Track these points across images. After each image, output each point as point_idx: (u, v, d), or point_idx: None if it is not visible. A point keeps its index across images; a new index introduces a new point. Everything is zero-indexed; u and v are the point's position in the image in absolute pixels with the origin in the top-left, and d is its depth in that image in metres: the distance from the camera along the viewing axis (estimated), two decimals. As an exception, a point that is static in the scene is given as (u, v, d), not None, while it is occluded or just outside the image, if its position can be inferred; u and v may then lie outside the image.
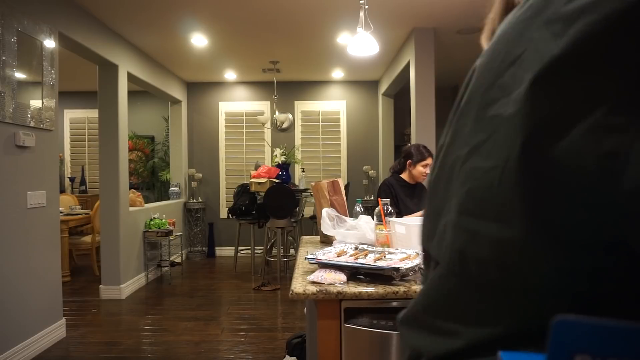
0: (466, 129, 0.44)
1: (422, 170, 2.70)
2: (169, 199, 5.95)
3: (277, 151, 5.40)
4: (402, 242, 1.64)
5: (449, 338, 0.43)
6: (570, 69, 0.32)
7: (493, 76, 0.41)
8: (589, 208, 0.31)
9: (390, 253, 1.52)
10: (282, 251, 4.96)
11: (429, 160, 2.70)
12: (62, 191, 6.25)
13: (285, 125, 6.24)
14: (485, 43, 0.58)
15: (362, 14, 2.49)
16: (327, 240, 2.00)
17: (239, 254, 5.35)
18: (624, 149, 0.28)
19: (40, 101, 2.96)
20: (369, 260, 1.41)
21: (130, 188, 4.69)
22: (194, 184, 6.12)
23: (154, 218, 4.84)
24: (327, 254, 1.51)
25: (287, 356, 2.28)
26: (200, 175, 6.13)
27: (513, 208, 0.35)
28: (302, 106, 6.32)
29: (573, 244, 0.33)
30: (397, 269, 1.27)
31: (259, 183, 4.73)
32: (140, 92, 5.73)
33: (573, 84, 0.32)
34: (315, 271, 1.38)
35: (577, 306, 0.33)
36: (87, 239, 5.01)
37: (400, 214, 2.55)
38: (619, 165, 0.28)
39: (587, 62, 0.31)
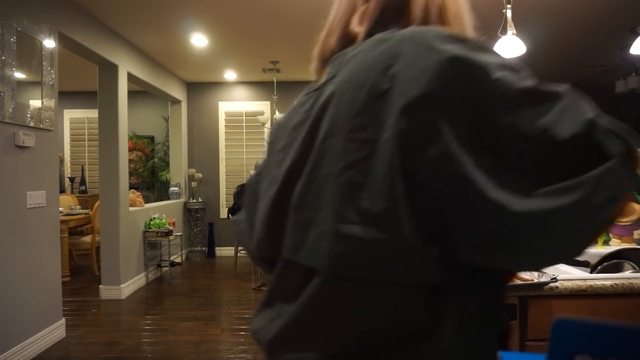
0: (336, 148, 0.50)
1: None
2: (169, 199, 5.94)
3: (277, 151, 5.39)
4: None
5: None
6: (424, 107, 0.44)
7: (361, 105, 0.49)
8: (441, 213, 0.44)
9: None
10: (282, 251, 4.95)
11: None
12: (62, 191, 6.24)
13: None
14: (318, 68, 0.66)
15: (362, 14, 2.49)
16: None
17: (239, 254, 5.35)
18: (461, 170, 0.42)
19: (40, 101, 2.96)
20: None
21: (130, 188, 4.69)
22: (194, 184, 6.12)
23: (154, 218, 4.84)
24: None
25: (287, 356, 2.27)
26: (200, 175, 6.13)
27: (393, 214, 0.45)
28: (302, 106, 6.31)
29: (435, 237, 0.45)
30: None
31: (259, 183, 4.71)
32: (140, 92, 5.73)
33: (426, 118, 0.44)
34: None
35: (433, 291, 0.46)
36: (87, 239, 5.01)
37: None
38: (460, 182, 0.42)
39: (433, 105, 0.44)
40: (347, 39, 0.62)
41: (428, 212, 0.46)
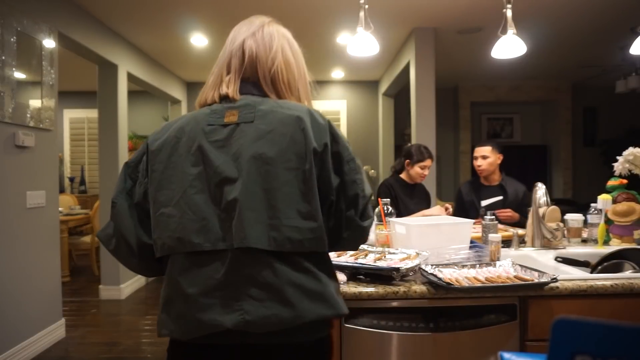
0: (276, 172, 0.87)
1: (419, 171, 2.69)
2: (169, 199, 5.93)
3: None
4: (402, 242, 1.64)
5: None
6: (323, 151, 0.89)
7: (287, 148, 0.88)
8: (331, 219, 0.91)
9: (390, 253, 1.51)
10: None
11: (427, 162, 2.69)
12: (62, 191, 6.24)
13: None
14: (201, 106, 1.03)
15: (362, 13, 2.48)
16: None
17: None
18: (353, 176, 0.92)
19: (40, 101, 2.96)
20: (369, 260, 1.41)
21: (130, 188, 4.68)
22: (194, 184, 6.11)
23: (154, 218, 4.83)
24: (326, 254, 1.51)
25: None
26: (200, 175, 6.12)
27: (316, 212, 0.87)
28: (302, 106, 6.31)
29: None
30: (397, 269, 1.27)
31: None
32: (140, 92, 5.73)
33: (323, 156, 0.89)
34: (314, 271, 1.38)
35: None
36: (87, 239, 5.01)
37: (399, 214, 2.54)
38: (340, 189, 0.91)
39: (327, 150, 0.89)
40: (220, 96, 0.97)
41: (326, 215, 0.91)
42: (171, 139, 0.92)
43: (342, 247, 0.96)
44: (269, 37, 1.05)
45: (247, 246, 0.83)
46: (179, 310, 0.86)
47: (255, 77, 0.98)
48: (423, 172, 2.69)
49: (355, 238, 0.94)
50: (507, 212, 2.52)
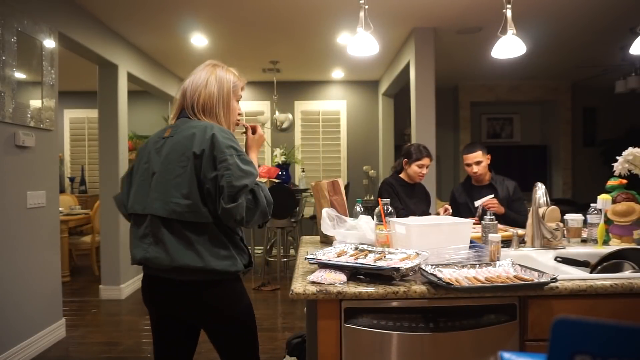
0: (172, 167, 1.33)
1: (417, 170, 2.70)
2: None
3: (277, 151, 5.40)
4: (402, 242, 1.64)
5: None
6: (201, 154, 1.31)
7: (182, 152, 1.33)
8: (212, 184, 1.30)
9: (390, 253, 1.52)
10: (282, 251, 4.96)
11: (425, 161, 2.70)
12: (62, 191, 6.24)
13: (285, 125, 6.24)
14: (174, 119, 1.50)
15: (362, 13, 2.48)
16: (327, 240, 2.00)
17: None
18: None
19: (40, 101, 2.96)
20: (369, 261, 1.41)
21: (130, 188, 4.68)
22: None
23: (154, 218, 4.83)
24: (327, 254, 1.51)
25: (287, 356, 2.28)
26: (200, 175, 6.12)
27: (193, 194, 1.30)
28: (302, 106, 6.31)
29: (207, 204, 1.31)
30: (397, 269, 1.27)
31: (259, 183, 4.71)
32: (140, 92, 5.73)
33: (203, 159, 1.31)
34: (315, 271, 1.38)
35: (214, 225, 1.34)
36: (87, 239, 5.01)
37: (400, 212, 2.55)
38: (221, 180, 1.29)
39: (203, 154, 1.31)
40: (175, 117, 1.49)
41: (204, 194, 1.30)
42: (144, 145, 1.47)
43: (223, 220, 1.31)
44: (197, 76, 1.47)
45: (151, 213, 1.33)
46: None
47: (186, 106, 1.46)
48: (421, 170, 2.70)
49: (225, 216, 1.28)
50: (494, 203, 2.55)
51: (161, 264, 1.31)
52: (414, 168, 2.71)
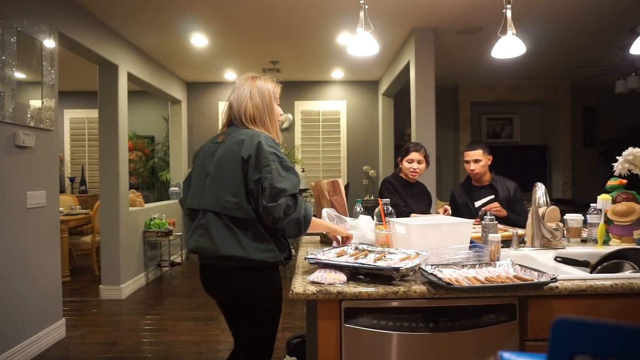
0: (225, 169, 1.52)
1: (408, 166, 2.71)
2: (169, 199, 5.94)
3: (277, 151, 5.39)
4: (402, 242, 1.64)
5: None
6: (249, 159, 1.48)
7: (234, 156, 1.51)
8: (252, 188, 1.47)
9: (390, 253, 1.52)
10: (282, 251, 4.95)
11: (413, 155, 2.69)
12: (62, 191, 6.24)
13: (285, 125, 6.24)
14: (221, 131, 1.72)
15: (362, 14, 2.49)
16: (327, 240, 2.00)
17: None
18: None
19: (40, 101, 2.96)
20: (369, 260, 1.41)
21: (130, 188, 4.69)
22: (194, 184, 6.11)
23: (154, 218, 4.84)
24: (327, 254, 1.51)
25: (287, 356, 2.27)
26: (200, 175, 6.12)
27: (241, 194, 1.48)
28: (302, 106, 6.32)
29: (252, 203, 1.48)
30: (397, 269, 1.27)
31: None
32: (140, 92, 5.73)
33: (248, 163, 1.48)
34: (315, 271, 1.38)
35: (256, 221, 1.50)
36: (87, 239, 5.01)
37: (401, 210, 2.55)
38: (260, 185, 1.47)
39: (250, 159, 1.48)
40: (225, 125, 1.67)
41: (249, 194, 1.47)
42: (199, 149, 1.70)
43: (263, 219, 1.46)
44: (241, 90, 1.63)
45: (204, 208, 1.52)
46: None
47: (234, 118, 1.63)
48: (411, 166, 2.69)
49: (265, 213, 1.44)
50: (496, 206, 2.55)
51: (209, 253, 1.49)
52: (404, 164, 2.72)
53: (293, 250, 5.27)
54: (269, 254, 1.48)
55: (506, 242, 1.86)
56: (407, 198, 2.73)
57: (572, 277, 1.35)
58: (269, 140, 1.51)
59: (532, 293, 1.28)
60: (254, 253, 1.46)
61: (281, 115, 1.73)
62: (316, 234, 2.30)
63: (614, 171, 2.01)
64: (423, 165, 2.72)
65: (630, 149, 1.95)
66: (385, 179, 2.82)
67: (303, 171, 6.03)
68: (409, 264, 1.32)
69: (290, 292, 1.27)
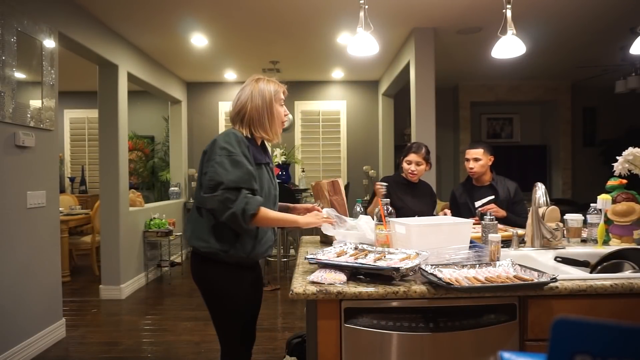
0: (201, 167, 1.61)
1: (406, 167, 2.71)
2: (169, 199, 5.94)
3: (277, 151, 5.40)
4: (402, 242, 1.64)
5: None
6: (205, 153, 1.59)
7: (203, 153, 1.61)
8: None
9: (390, 253, 1.52)
10: (282, 251, 4.96)
11: (411, 157, 2.69)
12: (62, 191, 6.24)
13: (285, 125, 6.23)
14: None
15: (362, 14, 2.49)
16: (327, 240, 2.00)
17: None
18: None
19: (40, 101, 2.96)
20: (369, 260, 1.41)
21: (130, 188, 4.69)
22: (194, 184, 6.11)
23: (154, 218, 4.84)
24: (327, 254, 1.51)
25: (287, 356, 2.28)
26: (200, 175, 6.12)
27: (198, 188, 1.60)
28: (302, 106, 6.31)
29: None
30: (397, 269, 1.27)
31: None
32: (140, 92, 5.72)
33: (204, 156, 1.59)
34: (315, 271, 1.38)
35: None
36: (87, 239, 5.01)
37: (398, 210, 2.55)
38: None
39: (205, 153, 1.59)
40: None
41: (201, 186, 1.57)
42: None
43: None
44: (243, 92, 1.67)
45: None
46: None
47: (232, 119, 1.68)
48: (409, 167, 2.69)
49: (204, 204, 1.52)
50: (492, 208, 2.53)
51: (188, 240, 1.62)
52: (404, 165, 2.72)
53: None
54: (203, 244, 1.55)
55: (506, 242, 1.86)
56: (406, 197, 2.72)
57: (572, 277, 1.35)
58: (229, 136, 1.54)
59: (532, 293, 1.28)
60: (192, 240, 1.58)
61: (286, 115, 1.75)
62: (316, 234, 2.29)
63: (614, 171, 2.01)
64: (422, 167, 2.71)
65: (630, 149, 1.95)
66: (383, 178, 2.83)
67: (303, 171, 6.03)
68: (409, 264, 1.32)
69: (290, 292, 1.27)
